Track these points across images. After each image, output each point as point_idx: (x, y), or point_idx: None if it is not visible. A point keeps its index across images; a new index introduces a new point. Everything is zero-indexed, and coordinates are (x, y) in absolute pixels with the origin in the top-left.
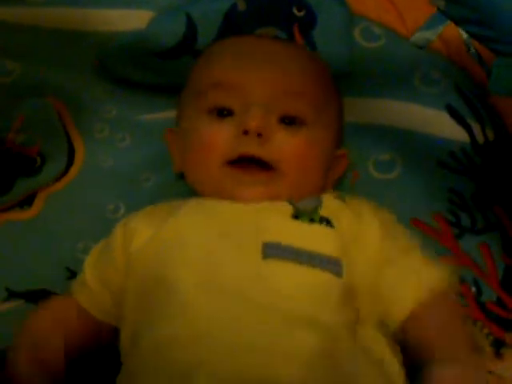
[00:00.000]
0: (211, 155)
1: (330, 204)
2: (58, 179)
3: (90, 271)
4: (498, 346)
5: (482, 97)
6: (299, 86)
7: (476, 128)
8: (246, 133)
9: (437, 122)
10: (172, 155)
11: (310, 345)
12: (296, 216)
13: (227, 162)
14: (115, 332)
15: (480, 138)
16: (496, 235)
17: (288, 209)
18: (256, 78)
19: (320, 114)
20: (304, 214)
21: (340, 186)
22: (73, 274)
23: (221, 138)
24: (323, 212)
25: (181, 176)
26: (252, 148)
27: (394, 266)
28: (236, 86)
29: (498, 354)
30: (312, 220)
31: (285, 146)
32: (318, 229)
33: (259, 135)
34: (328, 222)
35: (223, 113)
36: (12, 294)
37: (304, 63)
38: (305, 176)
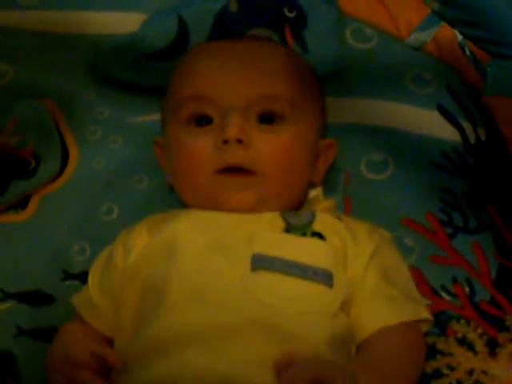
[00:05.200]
0: (196, 167)
1: (324, 220)
2: (52, 181)
3: (97, 293)
4: (492, 345)
5: (474, 97)
6: (273, 87)
7: (468, 128)
8: (225, 142)
9: (429, 123)
10: (162, 169)
11: None
12: (288, 230)
13: (214, 171)
14: None
15: (472, 138)
16: (489, 234)
17: (280, 223)
18: (229, 84)
19: (298, 109)
20: (296, 228)
21: (333, 187)
22: (68, 276)
23: (203, 148)
24: (316, 227)
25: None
26: (235, 157)
27: (365, 292)
28: (210, 95)
29: (492, 354)
30: (304, 234)
31: (267, 146)
32: (309, 241)
33: (239, 141)
34: (320, 236)
35: (202, 122)
36: (7, 296)
37: (277, 61)
38: (291, 173)
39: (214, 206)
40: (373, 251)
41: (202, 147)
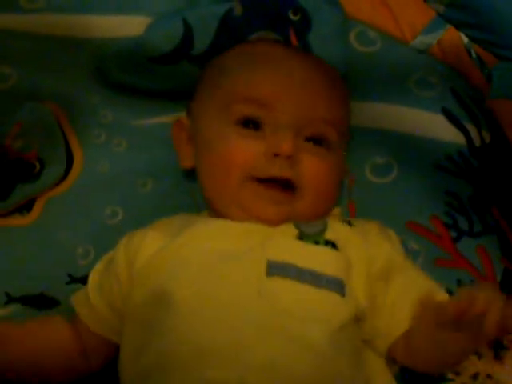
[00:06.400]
0: (234, 169)
1: (335, 228)
2: (56, 184)
3: (95, 294)
4: (498, 349)
5: (479, 100)
6: (330, 113)
7: (472, 131)
8: (276, 155)
9: (433, 125)
10: (178, 150)
11: (302, 366)
12: (300, 238)
13: (253, 178)
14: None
15: (477, 141)
16: (494, 238)
17: (293, 231)
18: (292, 99)
19: (341, 136)
20: (308, 236)
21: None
22: (72, 279)
23: (247, 153)
24: (329, 236)
25: (188, 173)
26: (284, 172)
27: (397, 280)
28: (272, 103)
29: (498, 357)
30: (317, 242)
31: (312, 167)
32: (322, 250)
33: (289, 157)
34: (333, 245)
35: (249, 125)
36: (11, 299)
37: (335, 88)
38: (324, 197)
39: (239, 210)
40: (389, 245)
41: (246, 151)
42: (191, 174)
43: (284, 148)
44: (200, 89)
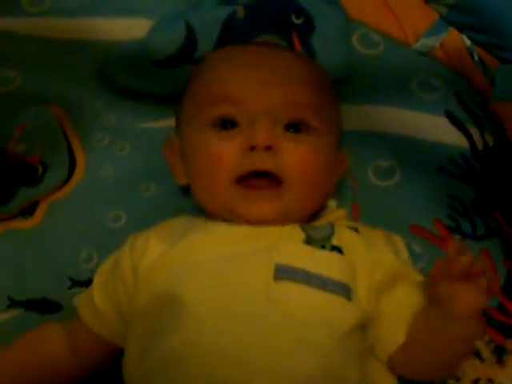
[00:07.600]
0: (219, 173)
1: (342, 234)
2: (59, 188)
3: (99, 294)
4: (500, 353)
5: (482, 103)
6: (303, 96)
7: (475, 134)
8: (252, 148)
9: (436, 128)
10: (172, 167)
11: (308, 370)
12: (308, 242)
13: (236, 178)
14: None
15: (480, 144)
16: (497, 241)
17: (300, 235)
18: (260, 89)
19: (324, 121)
20: (316, 241)
21: (341, 195)
22: (74, 283)
23: (228, 154)
24: (335, 241)
25: (184, 188)
26: (264, 163)
27: (399, 291)
28: (240, 98)
29: (500, 362)
30: (323, 247)
31: (294, 155)
32: (329, 255)
33: (268, 148)
34: (339, 251)
35: (227, 126)
36: (14, 303)
37: (306, 72)
38: (313, 185)
39: (232, 214)
40: (393, 257)
41: (226, 151)
42: None
43: (259, 139)
44: (182, 98)
